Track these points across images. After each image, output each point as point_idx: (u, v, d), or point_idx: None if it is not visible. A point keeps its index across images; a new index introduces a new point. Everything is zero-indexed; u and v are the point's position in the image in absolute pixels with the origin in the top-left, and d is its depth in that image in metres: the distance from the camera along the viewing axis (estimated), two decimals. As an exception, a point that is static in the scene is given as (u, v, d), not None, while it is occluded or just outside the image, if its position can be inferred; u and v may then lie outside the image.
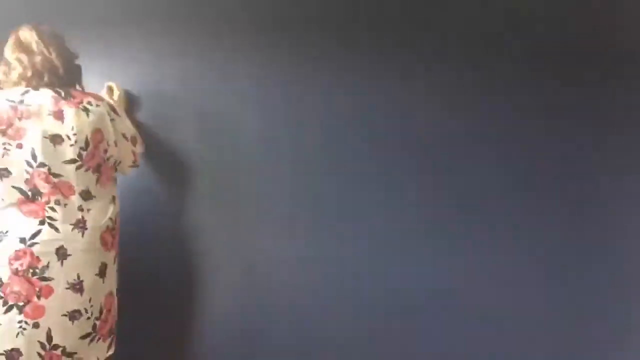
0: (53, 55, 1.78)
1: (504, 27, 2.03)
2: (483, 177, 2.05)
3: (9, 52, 1.80)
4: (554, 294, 2.02)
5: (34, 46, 1.78)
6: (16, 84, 1.78)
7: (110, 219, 1.84)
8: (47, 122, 1.73)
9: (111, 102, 1.99)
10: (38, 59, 1.77)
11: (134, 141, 1.99)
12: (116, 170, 1.94)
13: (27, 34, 1.80)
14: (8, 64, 1.80)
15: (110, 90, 2.14)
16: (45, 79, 1.77)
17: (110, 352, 1.90)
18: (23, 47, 1.79)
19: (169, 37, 2.20)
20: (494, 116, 2.03)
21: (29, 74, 1.77)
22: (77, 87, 1.89)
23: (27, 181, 1.71)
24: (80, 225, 1.75)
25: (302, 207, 2.16)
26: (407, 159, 2.09)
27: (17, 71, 1.77)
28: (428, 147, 2.07)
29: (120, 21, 2.20)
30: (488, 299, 2.05)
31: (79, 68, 1.90)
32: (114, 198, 1.89)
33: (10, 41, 1.81)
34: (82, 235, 1.75)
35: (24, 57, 1.77)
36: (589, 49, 1.98)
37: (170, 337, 2.24)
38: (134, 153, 1.98)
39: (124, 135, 1.93)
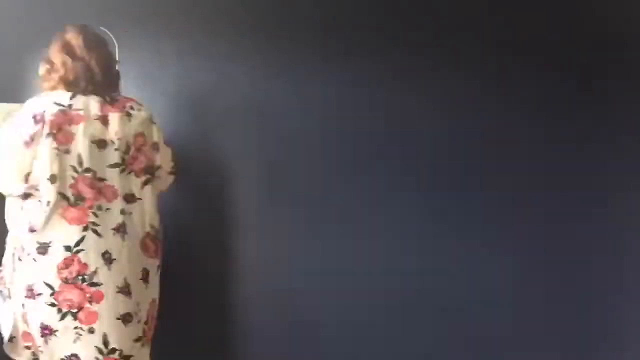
0: (92, 62, 1.79)
1: (504, 27, 2.04)
2: (484, 177, 2.08)
3: (55, 52, 1.80)
4: (555, 294, 2.06)
5: (78, 51, 1.78)
6: (54, 86, 1.78)
7: (153, 226, 1.84)
8: (94, 127, 1.75)
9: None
10: (79, 64, 1.77)
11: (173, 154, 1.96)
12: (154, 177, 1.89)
13: (74, 38, 1.80)
14: (52, 63, 1.79)
15: None
16: (82, 84, 1.77)
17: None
18: (68, 50, 1.79)
19: (168, 36, 2.19)
20: (494, 117, 2.05)
21: (71, 77, 1.77)
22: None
23: (71, 186, 1.72)
24: (121, 230, 1.76)
25: (301, 206, 2.18)
26: (407, 159, 2.12)
27: (59, 73, 1.77)
28: (429, 147, 2.09)
29: (118, 21, 2.14)
30: (489, 299, 2.09)
31: (117, 74, 1.90)
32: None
33: (58, 42, 1.81)
34: (123, 240, 1.76)
35: (68, 61, 1.77)
36: (591, 49, 2.00)
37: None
38: (173, 161, 1.95)
39: (165, 142, 1.92)
